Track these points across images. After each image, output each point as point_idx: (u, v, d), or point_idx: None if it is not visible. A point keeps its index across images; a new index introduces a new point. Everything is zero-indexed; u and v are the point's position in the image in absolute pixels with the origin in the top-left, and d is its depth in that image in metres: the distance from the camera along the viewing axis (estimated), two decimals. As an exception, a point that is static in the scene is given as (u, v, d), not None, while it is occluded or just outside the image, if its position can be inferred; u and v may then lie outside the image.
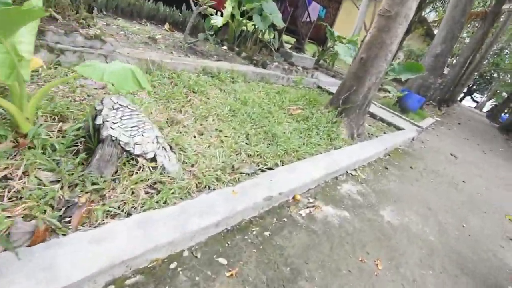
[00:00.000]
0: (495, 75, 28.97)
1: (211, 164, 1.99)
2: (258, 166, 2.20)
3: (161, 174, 1.71)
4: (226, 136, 2.45)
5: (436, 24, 18.44)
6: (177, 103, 2.73)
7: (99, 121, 1.61)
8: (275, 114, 3.29)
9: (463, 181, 3.80)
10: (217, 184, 1.82)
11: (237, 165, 2.05)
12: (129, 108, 1.81)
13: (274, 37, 5.94)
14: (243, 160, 2.20)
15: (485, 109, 33.80)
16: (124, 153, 1.61)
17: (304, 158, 2.56)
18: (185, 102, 2.80)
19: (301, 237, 1.68)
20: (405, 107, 7.15)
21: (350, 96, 3.66)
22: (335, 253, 1.66)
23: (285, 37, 8.46)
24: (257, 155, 2.32)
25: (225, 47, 5.74)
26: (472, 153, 6.03)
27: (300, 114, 3.57)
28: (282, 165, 2.35)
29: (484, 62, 20.62)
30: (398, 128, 5.19)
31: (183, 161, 1.90)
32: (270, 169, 2.19)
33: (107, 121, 1.62)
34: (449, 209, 2.81)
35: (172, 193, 1.61)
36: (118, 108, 1.72)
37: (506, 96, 24.04)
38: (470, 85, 31.29)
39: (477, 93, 37.66)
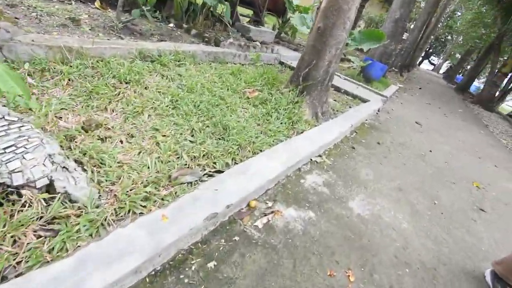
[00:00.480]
0: (449, 37, 30.25)
1: (140, 178, 1.57)
2: (204, 170, 1.82)
3: (62, 204, 1.27)
4: (165, 135, 2.02)
5: (394, -11, 18.41)
6: (102, 99, 2.21)
7: None
8: (228, 100, 2.87)
9: (430, 151, 3.73)
10: (146, 206, 1.42)
11: (175, 174, 1.65)
12: (6, 120, 1.30)
13: (226, 10, 5.33)
14: (185, 164, 1.80)
15: (441, 71, 35.59)
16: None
17: (261, 151, 2.21)
18: (113, 97, 2.28)
19: (257, 259, 1.37)
20: (369, 77, 7.02)
21: (311, 72, 3.32)
22: (298, 272, 1.37)
23: (241, 10, 7.80)
24: (203, 156, 1.92)
25: (171, 25, 5.06)
26: (435, 118, 6.10)
27: (258, 96, 3.18)
28: (236, 163, 1.99)
29: (439, 25, 21.27)
30: (364, 100, 5.01)
31: (99, 179, 1.46)
32: (220, 171, 1.82)
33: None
34: (419, 185, 2.67)
35: (77, 231, 1.19)
36: (-18, 122, 1.22)
37: (459, 57, 25.31)
38: (427, 49, 32.51)
39: (434, 56, 39.42)
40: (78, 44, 2.60)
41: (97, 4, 4.41)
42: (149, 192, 1.49)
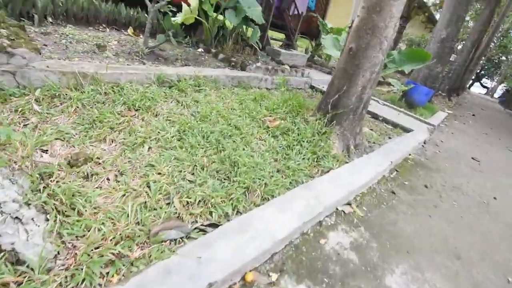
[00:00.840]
0: (503, 58, 27.57)
1: (114, 231, 1.28)
2: (196, 222, 1.48)
3: (6, 266, 1.01)
4: (160, 173, 1.74)
5: (437, 8, 17.39)
6: (104, 128, 2.04)
7: None
8: (244, 130, 2.57)
9: (494, 198, 2.99)
10: (108, 274, 1.11)
11: (156, 228, 1.34)
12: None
13: (255, 34, 5.21)
14: (175, 213, 1.49)
15: (496, 95, 32.28)
16: None
17: (273, 196, 1.82)
18: (116, 125, 2.10)
19: None
20: (412, 102, 6.33)
21: (341, 99, 2.91)
22: None
23: (272, 33, 7.74)
24: (199, 202, 1.60)
25: (200, 50, 5.05)
26: (496, 152, 5.17)
27: (279, 126, 2.83)
28: (239, 212, 1.63)
29: (491, 45, 19.41)
30: (406, 130, 4.39)
31: (62, 232, 1.20)
32: (215, 225, 1.46)
33: None
34: (485, 251, 2.03)
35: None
36: None
37: (518, 80, 22.74)
38: (478, 71, 29.89)
39: (486, 78, 36.08)
40: (93, 70, 2.53)
41: (129, 31, 4.56)
42: (118, 253, 1.19)
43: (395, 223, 2.05)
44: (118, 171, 1.67)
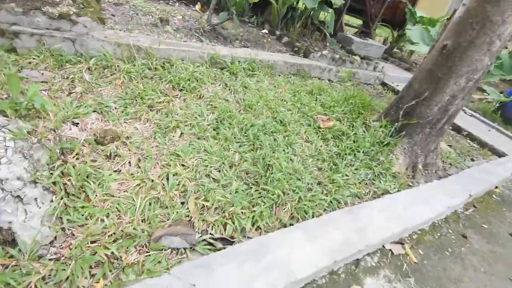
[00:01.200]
0: None
1: (117, 224, 1.17)
2: (207, 231, 1.28)
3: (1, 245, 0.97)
4: (184, 165, 1.59)
5: None
6: (144, 105, 1.97)
7: None
8: (290, 127, 2.26)
9: None
10: (93, 277, 1.00)
11: (159, 232, 1.18)
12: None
13: (330, 18, 4.66)
14: (187, 216, 1.32)
15: None
16: None
17: (305, 216, 1.52)
18: (156, 104, 2.02)
19: None
20: (510, 117, 5.05)
21: (418, 106, 2.35)
22: None
23: (348, 19, 6.94)
24: (217, 208, 1.40)
25: (265, 30, 4.76)
26: None
27: (333, 127, 2.44)
28: (257, 229, 1.38)
29: None
30: (497, 153, 3.48)
31: (64, 218, 1.13)
32: (226, 241, 1.25)
33: None
34: None
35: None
36: None
37: None
38: None
39: None
40: (148, 44, 2.49)
41: (197, 7, 4.49)
42: (111, 254, 1.07)
43: (459, 281, 1.56)
44: (142, 155, 1.57)
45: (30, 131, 1.26)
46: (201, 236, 1.23)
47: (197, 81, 2.48)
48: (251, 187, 1.58)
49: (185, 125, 1.91)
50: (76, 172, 1.27)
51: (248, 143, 1.92)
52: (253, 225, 1.37)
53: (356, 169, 2.05)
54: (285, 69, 3.48)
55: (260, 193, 1.55)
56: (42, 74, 1.93)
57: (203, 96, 2.32)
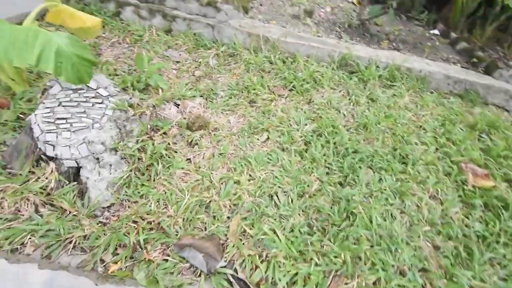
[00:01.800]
0: None
1: (160, 214, 1.18)
2: (233, 265, 1.09)
3: (75, 195, 1.17)
4: (251, 175, 1.43)
5: None
6: (245, 99, 1.93)
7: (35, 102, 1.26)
8: (413, 169, 1.64)
9: None
10: (117, 256, 1.03)
11: (186, 240, 1.10)
12: (93, 92, 1.32)
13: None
14: (225, 234, 1.17)
15: None
16: (38, 149, 1.19)
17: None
18: (258, 100, 1.93)
19: None
20: None
21: None
22: None
23: None
24: (259, 241, 1.16)
25: (435, 31, 3.73)
26: None
27: (491, 190, 1.60)
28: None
29: None
30: None
31: (126, 191, 1.23)
32: (246, 285, 1.02)
33: (42, 102, 1.23)
34: None
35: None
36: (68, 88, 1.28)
37: None
38: None
39: None
40: (277, 36, 2.40)
41: (356, -2, 4.02)
42: (137, 242, 1.08)
43: None
44: (218, 151, 1.53)
45: (132, 104, 1.43)
46: (224, 267, 1.06)
47: (315, 82, 2.20)
48: (313, 233, 1.23)
49: (276, 130, 1.72)
50: (152, 150, 1.36)
51: (339, 174, 1.52)
52: (289, 286, 1.06)
53: (504, 279, 1.25)
54: (443, 86, 2.59)
55: (322, 246, 1.19)
56: (180, 55, 2.21)
57: (312, 102, 2.04)
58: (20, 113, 1.38)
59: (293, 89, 2.10)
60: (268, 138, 1.67)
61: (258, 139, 1.66)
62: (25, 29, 1.08)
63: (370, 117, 1.94)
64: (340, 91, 2.23)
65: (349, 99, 2.16)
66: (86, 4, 2.47)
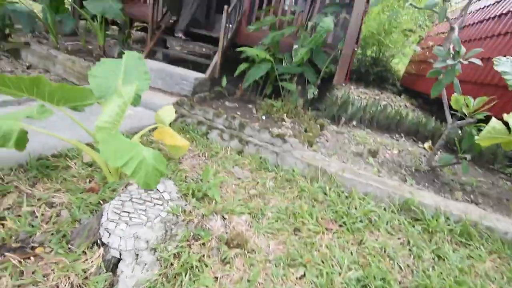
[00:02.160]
0: None
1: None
2: None
3: (102, 283, 1.26)
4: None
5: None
6: (291, 225, 1.94)
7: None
8: None
9: None
10: None
11: None
12: (158, 194, 1.58)
13: None
14: None
15: None
16: (98, 233, 1.40)
17: None
18: (303, 230, 1.91)
19: None
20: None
21: None
22: None
23: None
24: None
25: (526, 189, 3.27)
26: None
27: None
28: None
29: None
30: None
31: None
32: None
33: (119, 195, 1.53)
34: None
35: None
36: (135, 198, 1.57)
37: None
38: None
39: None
40: (335, 170, 2.54)
41: (426, 145, 4.07)
42: None
43: None
44: (248, 277, 1.47)
45: (185, 210, 1.61)
46: None
47: (370, 223, 2.09)
48: None
49: (315, 268, 1.60)
50: (185, 259, 1.42)
51: None
52: None
53: None
54: (545, 260, 2.07)
55: None
56: (243, 173, 2.50)
57: (362, 244, 1.88)
58: (103, 199, 1.71)
59: (344, 225, 2.02)
60: (304, 275, 1.55)
61: (293, 273, 1.55)
62: (127, 142, 1.50)
63: (435, 278, 1.63)
64: (398, 238, 2.02)
65: (409, 249, 1.91)
66: (187, 124, 3.22)
